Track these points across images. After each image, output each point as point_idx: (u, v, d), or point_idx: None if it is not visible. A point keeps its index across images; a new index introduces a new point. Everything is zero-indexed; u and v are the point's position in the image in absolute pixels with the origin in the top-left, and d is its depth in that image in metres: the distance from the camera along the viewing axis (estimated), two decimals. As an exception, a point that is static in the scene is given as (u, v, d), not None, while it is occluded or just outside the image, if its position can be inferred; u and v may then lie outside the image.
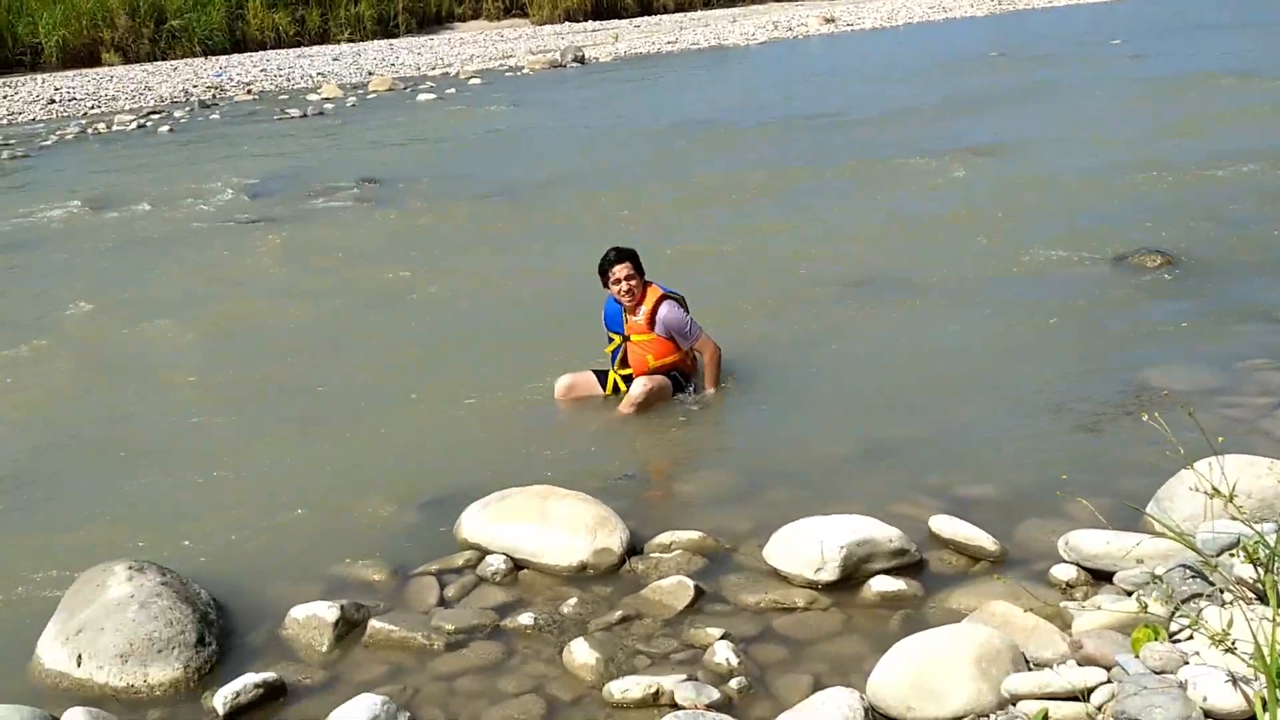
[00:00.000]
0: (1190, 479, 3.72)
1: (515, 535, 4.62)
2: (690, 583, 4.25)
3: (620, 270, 6.20)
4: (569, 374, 6.49)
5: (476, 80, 29.61)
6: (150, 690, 3.86)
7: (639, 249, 6.39)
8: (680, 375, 6.42)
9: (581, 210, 12.18)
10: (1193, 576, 3.56)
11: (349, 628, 4.16)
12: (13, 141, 22.98)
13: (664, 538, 4.66)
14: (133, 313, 9.19)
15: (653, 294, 6.27)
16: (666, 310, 6.23)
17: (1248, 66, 18.57)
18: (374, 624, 4.14)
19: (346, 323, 8.47)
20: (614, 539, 4.56)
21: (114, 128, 24.55)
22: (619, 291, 6.24)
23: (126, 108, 28.43)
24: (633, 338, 6.32)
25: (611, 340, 6.43)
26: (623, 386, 6.41)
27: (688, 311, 6.33)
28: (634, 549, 4.62)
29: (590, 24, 44.24)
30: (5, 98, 31.23)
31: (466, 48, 39.31)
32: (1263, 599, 3.28)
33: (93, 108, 28.87)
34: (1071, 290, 7.83)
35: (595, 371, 6.52)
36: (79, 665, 3.92)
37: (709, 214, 11.46)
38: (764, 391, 6.45)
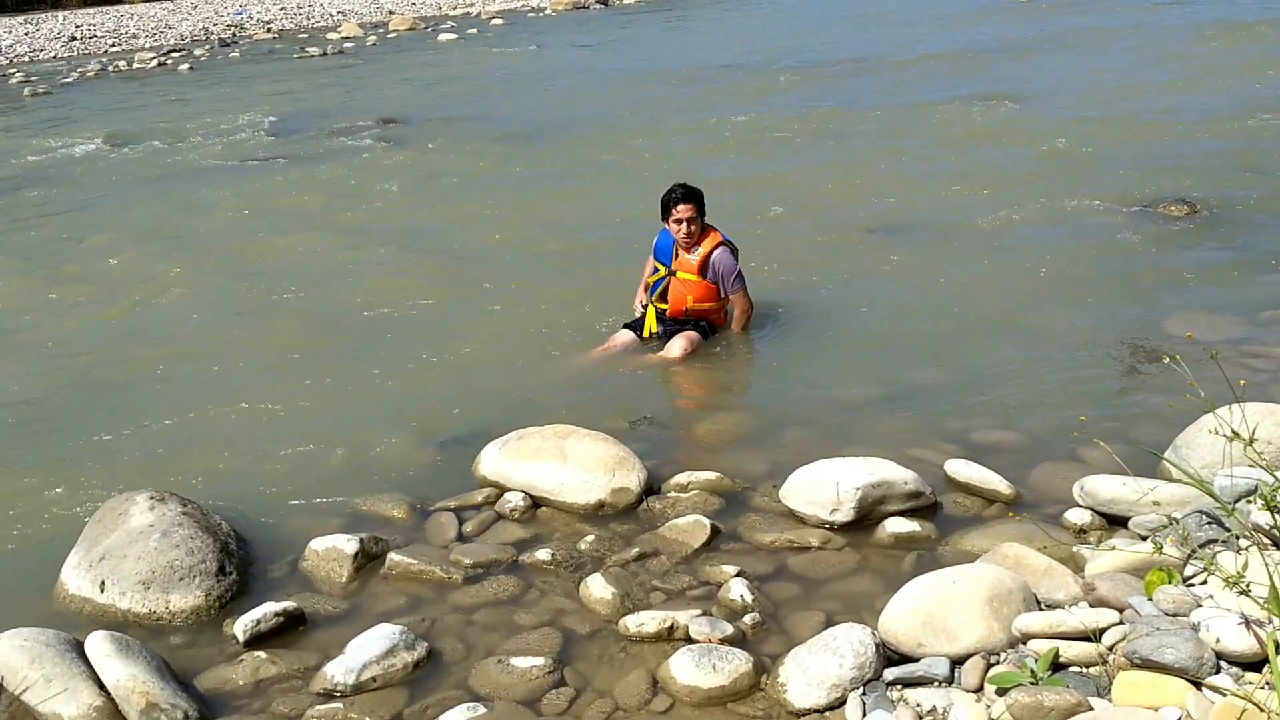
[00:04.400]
0: (1210, 424, 3.70)
1: (534, 473, 4.65)
2: (706, 521, 4.27)
3: (684, 210, 6.14)
4: (613, 336, 6.44)
5: (498, 20, 29.38)
6: (172, 617, 3.92)
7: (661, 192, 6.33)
8: (710, 327, 6.41)
9: (605, 153, 12.11)
10: (1209, 522, 3.56)
11: (368, 560, 4.20)
12: (34, 78, 23.01)
13: (681, 478, 4.68)
14: (154, 249, 9.24)
15: (712, 238, 6.23)
16: (720, 254, 6.21)
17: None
18: (393, 557, 4.18)
19: (368, 261, 8.48)
20: (632, 478, 4.58)
21: (134, 65, 24.51)
22: (678, 231, 6.19)
23: (147, 45, 28.36)
24: (679, 274, 6.29)
25: (657, 270, 6.40)
26: (655, 327, 6.38)
27: (738, 261, 6.31)
28: (652, 489, 4.64)
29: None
30: (28, 34, 31.17)
31: (489, -13, 38.85)
32: (1279, 545, 3.28)
33: (113, 45, 28.80)
34: (1095, 238, 7.76)
35: (627, 325, 6.48)
36: (102, 591, 3.98)
37: (734, 158, 11.39)
38: (786, 335, 6.44)
